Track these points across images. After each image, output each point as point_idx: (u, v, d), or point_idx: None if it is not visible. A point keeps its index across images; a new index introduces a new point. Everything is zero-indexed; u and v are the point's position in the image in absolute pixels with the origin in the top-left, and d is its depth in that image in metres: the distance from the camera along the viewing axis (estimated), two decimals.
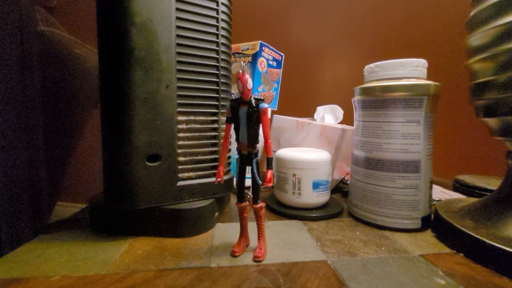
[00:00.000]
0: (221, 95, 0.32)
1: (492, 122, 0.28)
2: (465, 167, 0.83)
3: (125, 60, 0.26)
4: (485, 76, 0.27)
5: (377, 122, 0.31)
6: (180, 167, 0.30)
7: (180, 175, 0.30)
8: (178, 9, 0.28)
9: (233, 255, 0.25)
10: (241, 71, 0.22)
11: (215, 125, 0.32)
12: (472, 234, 0.25)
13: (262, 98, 0.23)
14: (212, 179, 0.32)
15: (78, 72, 0.47)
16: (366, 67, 0.35)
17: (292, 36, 0.81)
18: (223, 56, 0.32)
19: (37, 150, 0.29)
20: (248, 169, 0.25)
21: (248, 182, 0.31)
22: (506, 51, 0.25)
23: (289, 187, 0.36)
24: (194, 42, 0.30)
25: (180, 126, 0.30)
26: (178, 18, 0.28)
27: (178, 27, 0.28)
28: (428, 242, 0.28)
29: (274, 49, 0.55)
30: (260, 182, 0.24)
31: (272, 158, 0.23)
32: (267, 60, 0.53)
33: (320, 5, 0.81)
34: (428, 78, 0.32)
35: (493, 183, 0.45)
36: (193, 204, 0.30)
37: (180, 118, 0.30)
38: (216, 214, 0.33)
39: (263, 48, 0.51)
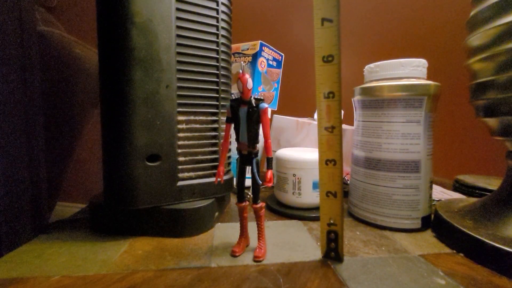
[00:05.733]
0: (221, 95, 0.32)
1: (492, 122, 0.28)
2: (465, 167, 0.83)
3: (125, 60, 0.26)
4: (485, 76, 0.27)
5: (377, 122, 0.31)
6: (180, 167, 0.30)
7: (180, 175, 0.30)
8: (178, 9, 0.28)
9: (233, 255, 0.25)
10: (241, 71, 0.22)
11: (215, 125, 0.32)
12: (472, 234, 0.25)
13: (262, 98, 0.23)
14: (212, 179, 0.32)
15: (78, 72, 0.47)
16: (366, 67, 0.35)
17: (292, 36, 0.81)
18: (223, 56, 0.32)
19: (37, 150, 0.29)
20: (248, 169, 0.25)
21: (248, 182, 0.31)
22: (506, 51, 0.25)
23: (289, 187, 0.36)
24: (194, 42, 0.30)
25: (180, 126, 0.30)
26: (178, 18, 0.28)
27: (178, 27, 0.28)
28: (428, 242, 0.28)
29: (274, 49, 0.55)
30: (260, 182, 0.24)
31: (272, 158, 0.23)
32: (267, 60, 0.53)
33: None
34: (428, 78, 0.32)
35: (493, 183, 0.45)
36: (193, 204, 0.30)
37: (180, 118, 0.30)
38: (216, 214, 0.33)
39: (263, 48, 0.51)
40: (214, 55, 0.31)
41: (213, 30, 0.31)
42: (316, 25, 0.22)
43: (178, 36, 0.28)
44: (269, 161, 0.23)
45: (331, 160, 0.23)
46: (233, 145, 0.31)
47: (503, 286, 0.21)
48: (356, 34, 0.82)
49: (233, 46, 0.52)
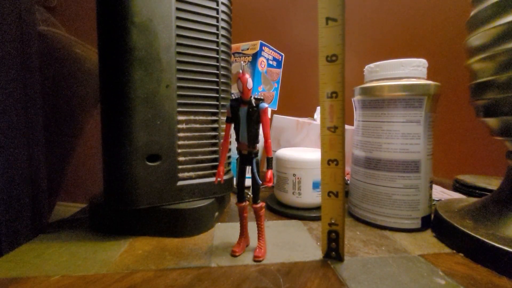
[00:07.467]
0: (221, 95, 0.32)
1: (492, 122, 0.28)
2: (465, 167, 0.83)
3: (125, 59, 0.26)
4: (485, 76, 0.27)
5: (377, 122, 0.31)
6: (180, 167, 0.30)
7: (180, 175, 0.30)
8: (178, 9, 0.28)
9: (233, 255, 0.25)
10: (241, 71, 0.22)
11: (215, 125, 0.32)
12: (472, 234, 0.25)
13: (262, 98, 0.23)
14: (212, 179, 0.32)
15: (78, 72, 0.47)
16: (366, 67, 0.35)
17: (292, 36, 0.81)
18: (223, 56, 0.32)
19: (37, 150, 0.29)
20: (248, 169, 0.25)
21: (248, 182, 0.31)
22: (506, 51, 0.25)
23: (289, 187, 0.36)
24: (194, 42, 0.30)
25: (180, 126, 0.30)
26: (178, 18, 0.28)
27: (178, 26, 0.28)
28: (428, 242, 0.28)
29: (274, 49, 0.55)
30: (260, 182, 0.24)
31: (272, 158, 0.23)
32: (267, 60, 0.53)
33: None
34: (428, 78, 0.32)
35: (493, 183, 0.45)
36: (193, 204, 0.30)
37: (180, 118, 0.30)
38: (216, 214, 0.33)
39: (263, 48, 0.51)
40: (214, 55, 0.31)
41: (213, 30, 0.31)
42: (320, 24, 0.22)
43: (178, 36, 0.28)
44: (269, 161, 0.23)
45: (333, 160, 0.23)
46: (233, 145, 0.31)
47: (503, 286, 0.21)
48: (356, 34, 0.82)
49: (233, 46, 0.52)
